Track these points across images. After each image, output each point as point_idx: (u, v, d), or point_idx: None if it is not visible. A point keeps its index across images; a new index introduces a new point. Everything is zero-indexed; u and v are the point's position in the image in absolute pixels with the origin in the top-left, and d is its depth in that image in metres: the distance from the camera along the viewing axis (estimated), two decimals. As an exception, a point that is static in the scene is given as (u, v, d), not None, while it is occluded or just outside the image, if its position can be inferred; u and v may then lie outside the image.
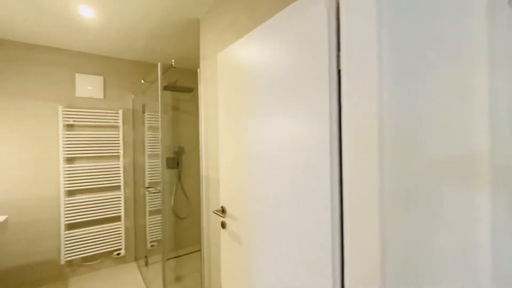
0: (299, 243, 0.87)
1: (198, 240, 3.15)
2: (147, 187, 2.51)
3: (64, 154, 2.39)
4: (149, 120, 2.71)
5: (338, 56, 0.75)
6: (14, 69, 2.23)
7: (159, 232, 2.77)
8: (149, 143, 2.70)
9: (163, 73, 1.78)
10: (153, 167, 2.72)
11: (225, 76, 1.32)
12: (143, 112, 2.29)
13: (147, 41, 2.29)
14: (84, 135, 2.48)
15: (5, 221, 1.95)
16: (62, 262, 2.37)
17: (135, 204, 2.77)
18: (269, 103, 0.99)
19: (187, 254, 2.99)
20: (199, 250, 3.04)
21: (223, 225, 1.35)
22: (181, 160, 2.99)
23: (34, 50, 2.31)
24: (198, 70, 1.89)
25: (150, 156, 2.72)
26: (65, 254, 2.38)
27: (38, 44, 2.33)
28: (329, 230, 0.77)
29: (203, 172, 1.89)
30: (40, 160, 2.33)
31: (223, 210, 1.36)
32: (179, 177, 2.99)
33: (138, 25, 1.98)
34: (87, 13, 1.80)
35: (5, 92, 2.21)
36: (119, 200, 2.63)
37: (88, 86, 2.54)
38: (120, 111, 2.65)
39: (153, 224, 2.74)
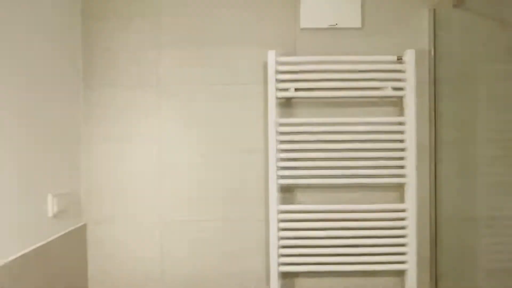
0: None
1: None
2: None
3: (278, 177, 0.95)
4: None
5: None
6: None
7: None
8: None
9: None
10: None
11: None
12: None
13: None
14: (316, 126, 0.94)
15: None
16: None
17: None
18: None
19: None
20: None
21: None
22: None
23: None
24: None
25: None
26: None
27: None
28: None
29: None
30: (245, 183, 1.02)
31: None
32: None
33: None
34: None
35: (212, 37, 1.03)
36: None
37: (325, 2, 0.97)
38: (410, 55, 0.89)
39: None
